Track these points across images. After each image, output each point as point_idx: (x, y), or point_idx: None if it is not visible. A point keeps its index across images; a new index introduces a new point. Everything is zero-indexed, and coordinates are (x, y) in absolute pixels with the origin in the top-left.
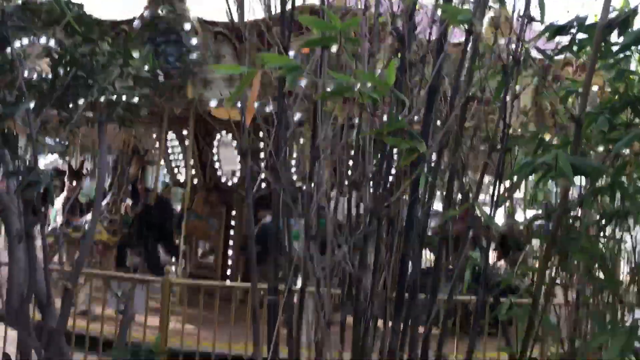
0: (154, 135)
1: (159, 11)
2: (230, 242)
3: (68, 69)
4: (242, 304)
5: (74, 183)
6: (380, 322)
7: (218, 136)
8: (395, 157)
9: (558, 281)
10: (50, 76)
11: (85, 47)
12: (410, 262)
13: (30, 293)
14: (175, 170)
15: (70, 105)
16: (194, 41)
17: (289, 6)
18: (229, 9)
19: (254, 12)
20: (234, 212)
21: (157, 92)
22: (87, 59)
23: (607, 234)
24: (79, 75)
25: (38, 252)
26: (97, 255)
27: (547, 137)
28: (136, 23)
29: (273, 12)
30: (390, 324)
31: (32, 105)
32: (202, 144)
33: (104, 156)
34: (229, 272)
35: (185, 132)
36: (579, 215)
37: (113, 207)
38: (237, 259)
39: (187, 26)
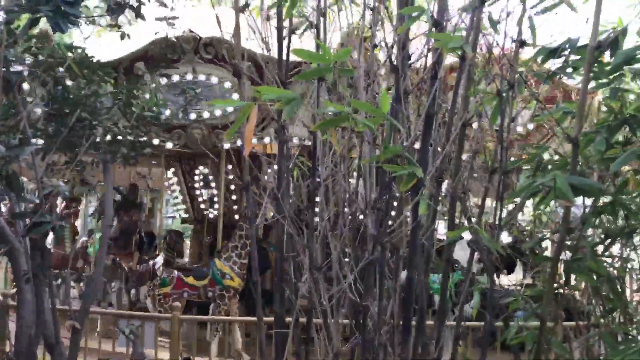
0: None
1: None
2: None
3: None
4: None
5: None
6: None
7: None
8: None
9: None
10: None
11: (88, 89)
12: (416, 288)
13: (39, 333)
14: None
15: (75, 147)
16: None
17: (285, 42)
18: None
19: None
20: None
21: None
22: (91, 100)
23: (613, 253)
24: (83, 117)
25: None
26: (227, 302)
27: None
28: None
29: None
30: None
31: (36, 147)
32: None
33: (110, 195)
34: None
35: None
36: (584, 235)
37: (242, 250)
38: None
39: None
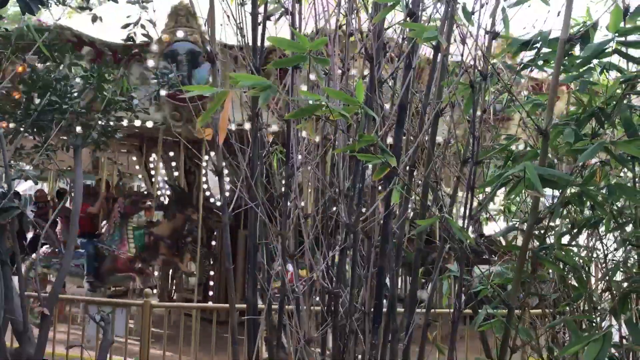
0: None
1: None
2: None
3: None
4: (225, 325)
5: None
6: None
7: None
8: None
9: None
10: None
11: (58, 73)
12: (387, 276)
13: (7, 321)
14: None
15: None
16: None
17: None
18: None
19: (226, 35)
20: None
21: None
22: (61, 84)
23: (579, 242)
24: (53, 100)
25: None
26: None
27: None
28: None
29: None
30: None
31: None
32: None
33: (80, 181)
34: (210, 293)
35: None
36: (551, 225)
37: None
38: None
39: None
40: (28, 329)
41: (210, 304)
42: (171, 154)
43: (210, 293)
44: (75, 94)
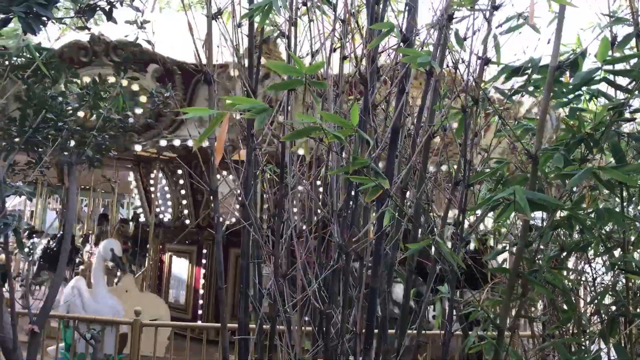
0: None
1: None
2: (202, 281)
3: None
4: (214, 344)
5: None
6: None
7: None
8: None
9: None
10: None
11: (53, 90)
12: (379, 297)
13: None
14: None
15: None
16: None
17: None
18: (197, 51)
19: (223, 55)
20: (204, 250)
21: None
22: (57, 102)
23: (568, 266)
24: (48, 118)
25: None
26: None
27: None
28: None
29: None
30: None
31: None
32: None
33: (73, 198)
34: (200, 312)
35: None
36: (541, 248)
37: None
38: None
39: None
40: (17, 346)
41: (199, 323)
42: (178, 172)
43: (200, 312)
44: (70, 111)
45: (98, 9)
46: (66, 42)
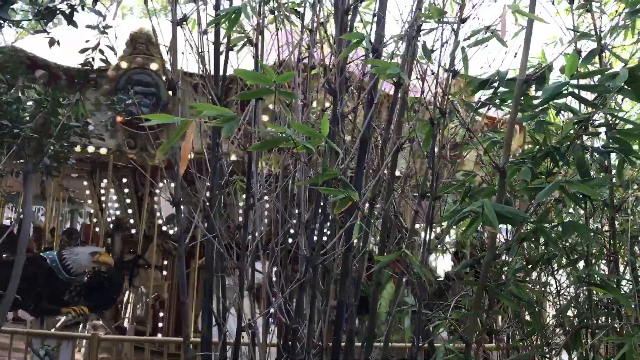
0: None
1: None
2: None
3: None
4: (176, 358)
5: None
6: None
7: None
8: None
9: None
10: None
11: (9, 96)
12: (346, 310)
13: None
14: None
15: None
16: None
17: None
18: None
19: (188, 64)
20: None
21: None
22: (13, 107)
23: (533, 278)
24: (4, 124)
25: None
26: None
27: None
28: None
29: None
30: None
31: None
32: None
33: (29, 207)
34: (160, 324)
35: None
36: (507, 260)
37: None
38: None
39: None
40: None
41: (160, 336)
42: (124, 180)
43: (160, 325)
44: (27, 118)
45: (58, 12)
46: None
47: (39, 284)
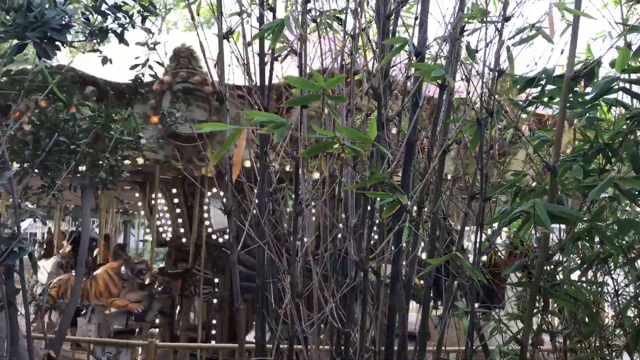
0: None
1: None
2: (214, 300)
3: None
4: None
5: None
6: None
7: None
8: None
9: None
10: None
11: (66, 113)
12: (397, 315)
13: None
14: (161, 229)
15: (53, 171)
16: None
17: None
18: (210, 72)
19: (234, 76)
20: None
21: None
22: (69, 124)
23: (589, 278)
24: (61, 141)
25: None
26: None
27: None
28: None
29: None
30: None
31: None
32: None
33: (87, 219)
34: (213, 331)
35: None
36: (562, 261)
37: None
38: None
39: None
40: None
41: (213, 343)
42: (174, 191)
43: (213, 332)
44: (82, 134)
45: (110, 32)
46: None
47: None
